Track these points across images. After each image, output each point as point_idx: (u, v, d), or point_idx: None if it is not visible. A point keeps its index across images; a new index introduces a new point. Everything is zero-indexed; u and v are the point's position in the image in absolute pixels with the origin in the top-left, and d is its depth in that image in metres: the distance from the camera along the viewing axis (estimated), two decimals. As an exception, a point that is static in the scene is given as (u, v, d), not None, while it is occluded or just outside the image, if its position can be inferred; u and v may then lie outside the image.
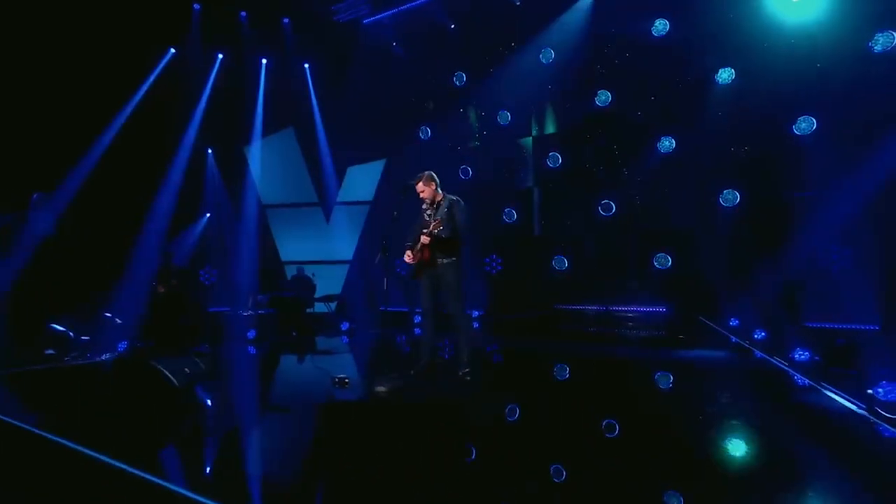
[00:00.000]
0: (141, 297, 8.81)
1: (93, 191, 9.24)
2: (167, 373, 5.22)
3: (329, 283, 11.46)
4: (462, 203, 5.24)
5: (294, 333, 9.36)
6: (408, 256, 5.33)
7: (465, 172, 10.73)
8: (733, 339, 7.82)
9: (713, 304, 8.52)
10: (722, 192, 8.69)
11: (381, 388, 5.13)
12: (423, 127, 11.19)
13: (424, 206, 5.44)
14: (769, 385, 5.74)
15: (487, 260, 10.90)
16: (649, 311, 9.26)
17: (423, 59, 10.78)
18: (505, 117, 10.58)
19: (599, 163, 9.82)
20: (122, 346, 7.84)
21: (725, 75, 8.63)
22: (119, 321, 8.75)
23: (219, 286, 11.55)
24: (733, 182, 8.59)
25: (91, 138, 9.64)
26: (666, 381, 5.82)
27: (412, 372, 5.44)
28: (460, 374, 5.24)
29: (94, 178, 9.40)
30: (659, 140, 9.09)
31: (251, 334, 8.81)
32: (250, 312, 9.45)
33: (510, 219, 10.49)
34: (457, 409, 3.90)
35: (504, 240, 10.57)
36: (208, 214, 11.68)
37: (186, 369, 5.61)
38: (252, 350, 8.41)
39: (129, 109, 10.06)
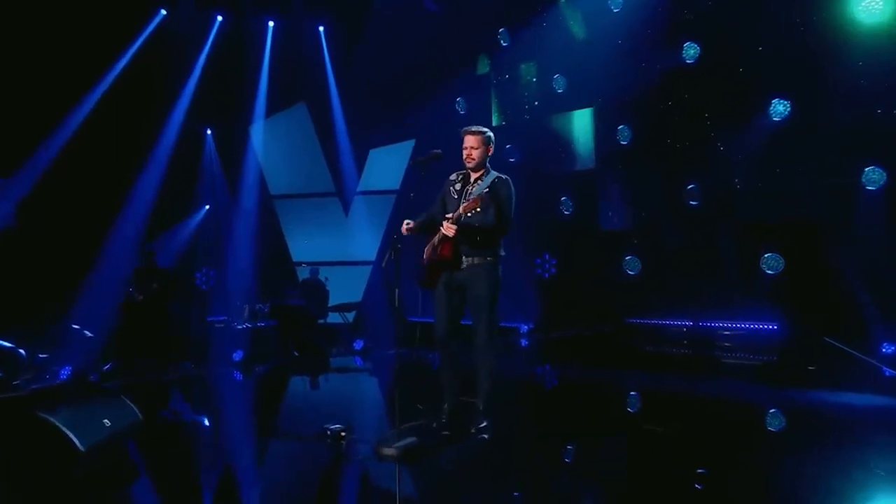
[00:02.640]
0: (115, 304, 7.92)
1: (60, 177, 8.28)
2: (66, 430, 3.68)
3: (347, 288, 10.41)
4: (512, 185, 4.14)
5: (295, 353, 8.06)
6: (406, 226, 4.08)
7: (512, 153, 9.69)
8: (888, 372, 5.95)
9: (849, 322, 6.81)
10: (862, 171, 6.94)
11: (388, 451, 3.81)
12: (458, 99, 10.14)
13: (453, 178, 4.24)
14: None
15: (539, 261, 9.90)
16: (754, 328, 7.81)
17: (460, 14, 9.67)
18: (561, 83, 9.41)
19: (686, 136, 8.38)
20: (66, 371, 6.58)
21: (872, 12, 6.63)
22: (90, 334, 7.77)
23: (218, 291, 10.57)
24: (878, 156, 6.84)
25: (60, 115, 8.61)
26: (798, 440, 4.16)
27: (434, 424, 4.23)
28: (474, 430, 4.07)
29: (61, 162, 8.40)
30: (769, 103, 7.48)
31: (238, 356, 7.41)
32: (246, 325, 8.18)
33: (568, 209, 9.51)
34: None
35: (560, 235, 9.56)
36: (207, 206, 10.78)
37: (106, 421, 4.07)
38: (236, 377, 7.07)
39: (107, 81, 8.99)
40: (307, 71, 10.70)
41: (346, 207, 11.35)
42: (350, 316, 10.02)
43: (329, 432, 4.14)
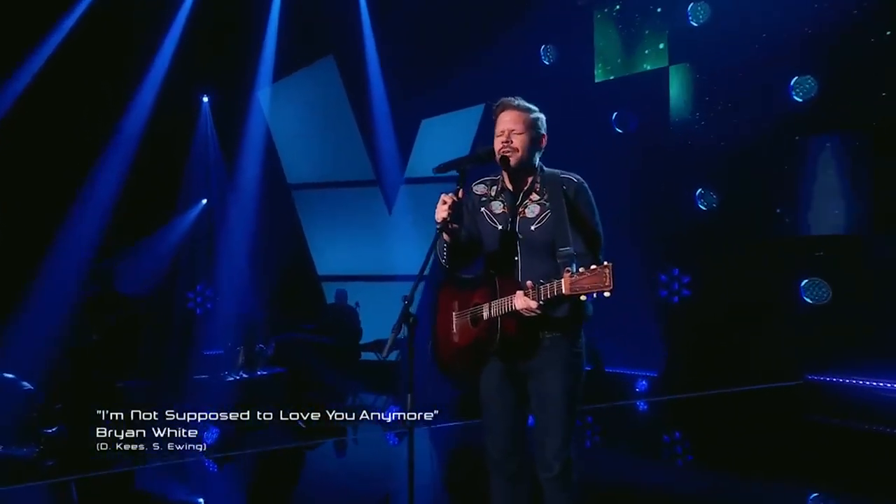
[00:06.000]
0: (60, 346, 7.31)
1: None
2: None
3: (388, 315, 8.77)
4: (588, 188, 3.15)
5: (301, 426, 6.53)
6: (445, 208, 2.90)
7: (623, 121, 9.09)
8: None
9: None
10: None
11: None
12: (544, 47, 9.55)
13: (480, 190, 3.12)
14: None
15: (664, 278, 8.92)
16: None
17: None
18: (700, 13, 8.48)
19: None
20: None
21: None
22: (28, 386, 6.97)
23: (216, 316, 9.70)
24: None
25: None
26: None
27: None
28: None
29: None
30: None
31: (210, 437, 5.83)
32: (240, 376, 7.15)
33: (709, 203, 8.73)
34: None
35: (696, 242, 8.75)
36: (205, 201, 10.02)
37: None
38: (208, 467, 5.50)
39: (58, 34, 8.23)
40: (335, 12, 9.91)
41: (390, 201, 10.68)
42: (392, 356, 8.55)
43: None
